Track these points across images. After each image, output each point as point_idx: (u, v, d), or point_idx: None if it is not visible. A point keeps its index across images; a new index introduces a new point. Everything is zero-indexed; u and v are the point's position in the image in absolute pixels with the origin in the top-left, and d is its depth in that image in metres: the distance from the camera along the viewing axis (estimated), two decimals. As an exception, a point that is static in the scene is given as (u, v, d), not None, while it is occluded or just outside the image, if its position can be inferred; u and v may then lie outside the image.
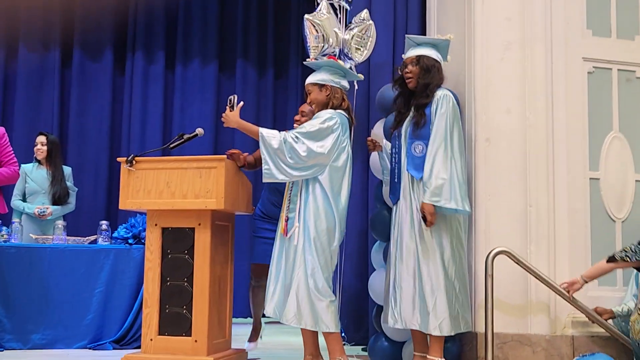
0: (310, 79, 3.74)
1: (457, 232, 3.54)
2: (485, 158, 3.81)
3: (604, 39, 3.96)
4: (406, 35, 3.81)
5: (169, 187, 3.69)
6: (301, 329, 3.60)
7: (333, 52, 4.32)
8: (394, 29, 4.79)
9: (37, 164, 5.41)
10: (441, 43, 3.73)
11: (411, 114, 3.62)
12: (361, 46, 4.48)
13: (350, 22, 4.49)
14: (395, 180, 3.66)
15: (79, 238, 4.93)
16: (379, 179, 4.15)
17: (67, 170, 5.50)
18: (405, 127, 3.62)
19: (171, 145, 3.96)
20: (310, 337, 3.65)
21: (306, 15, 4.60)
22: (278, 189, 4.17)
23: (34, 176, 5.34)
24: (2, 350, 4.46)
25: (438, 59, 3.65)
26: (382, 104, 4.23)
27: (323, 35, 4.45)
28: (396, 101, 3.77)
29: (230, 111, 3.70)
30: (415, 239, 3.51)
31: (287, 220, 3.61)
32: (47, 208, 5.24)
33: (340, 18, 4.50)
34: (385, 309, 3.70)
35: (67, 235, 4.92)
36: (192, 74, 7.10)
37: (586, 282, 3.51)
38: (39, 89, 6.78)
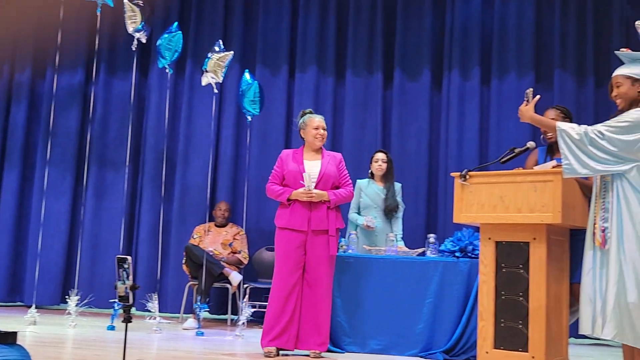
0: (624, 70, 3.46)
1: None
2: None
3: None
4: None
5: (503, 201, 3.72)
6: (623, 349, 3.41)
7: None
8: None
9: (370, 179, 5.83)
10: None
11: None
12: None
13: None
14: None
15: (409, 250, 5.18)
16: None
17: (398, 186, 5.84)
18: None
19: (502, 160, 3.98)
20: (631, 357, 3.39)
21: (638, 22, 4.30)
22: None
23: (368, 191, 5.76)
24: (343, 352, 4.84)
25: None
26: None
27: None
28: None
29: (526, 105, 3.64)
30: None
31: (603, 231, 3.38)
32: (371, 220, 5.60)
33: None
34: None
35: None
36: (507, 88, 7.04)
37: None
38: (364, 110, 7.26)
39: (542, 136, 4.18)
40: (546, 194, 3.57)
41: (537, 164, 4.18)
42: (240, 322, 5.46)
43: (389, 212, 5.69)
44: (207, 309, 6.03)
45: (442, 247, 4.98)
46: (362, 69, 7.31)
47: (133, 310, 7.13)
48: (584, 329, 3.42)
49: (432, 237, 5.08)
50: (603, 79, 6.88)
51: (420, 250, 5.15)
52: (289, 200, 4.70)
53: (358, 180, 5.88)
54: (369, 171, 5.90)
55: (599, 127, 3.37)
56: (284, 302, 4.57)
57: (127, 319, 2.71)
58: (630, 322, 3.24)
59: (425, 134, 7.11)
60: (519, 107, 3.68)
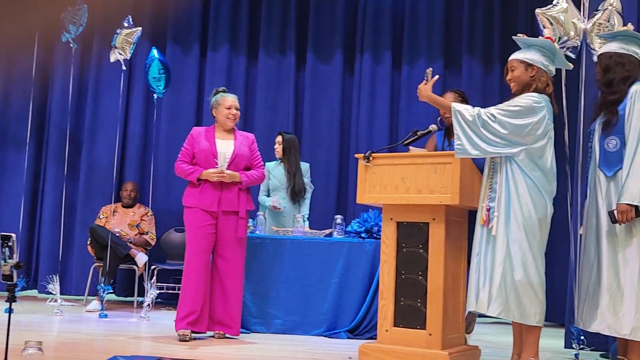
0: (518, 55, 3.58)
1: None
2: None
3: None
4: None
5: (405, 182, 3.77)
6: (513, 325, 3.57)
7: (573, 45, 4.10)
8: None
9: (279, 161, 5.82)
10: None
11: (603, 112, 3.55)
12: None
13: (597, 10, 4.24)
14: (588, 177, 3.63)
15: (316, 231, 5.21)
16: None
17: (304, 166, 5.83)
18: (599, 123, 3.56)
19: (405, 142, 4.04)
20: (519, 333, 3.55)
21: (537, 10, 4.44)
22: None
23: (275, 173, 5.74)
24: (249, 333, 4.84)
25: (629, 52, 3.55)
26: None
27: (560, 29, 4.27)
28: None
29: (425, 85, 3.69)
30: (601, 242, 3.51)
31: (488, 210, 3.51)
32: (277, 200, 5.61)
33: (583, 7, 4.26)
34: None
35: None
36: (417, 72, 7.16)
37: None
38: (276, 91, 7.24)
39: (439, 118, 4.28)
40: (445, 175, 3.64)
41: (436, 147, 4.28)
42: (145, 304, 5.37)
43: (294, 195, 5.67)
44: (112, 291, 5.89)
45: (349, 228, 5.04)
46: (274, 50, 7.28)
47: (35, 292, 6.96)
48: (470, 305, 3.54)
49: (339, 218, 5.13)
50: (509, 65, 7.06)
51: (327, 231, 5.19)
52: (199, 180, 4.58)
53: (267, 163, 5.86)
54: (275, 153, 5.90)
55: (492, 109, 3.47)
56: (195, 284, 4.46)
57: (11, 299, 2.61)
58: (517, 299, 3.38)
59: (337, 116, 7.18)
60: (418, 86, 3.72)
